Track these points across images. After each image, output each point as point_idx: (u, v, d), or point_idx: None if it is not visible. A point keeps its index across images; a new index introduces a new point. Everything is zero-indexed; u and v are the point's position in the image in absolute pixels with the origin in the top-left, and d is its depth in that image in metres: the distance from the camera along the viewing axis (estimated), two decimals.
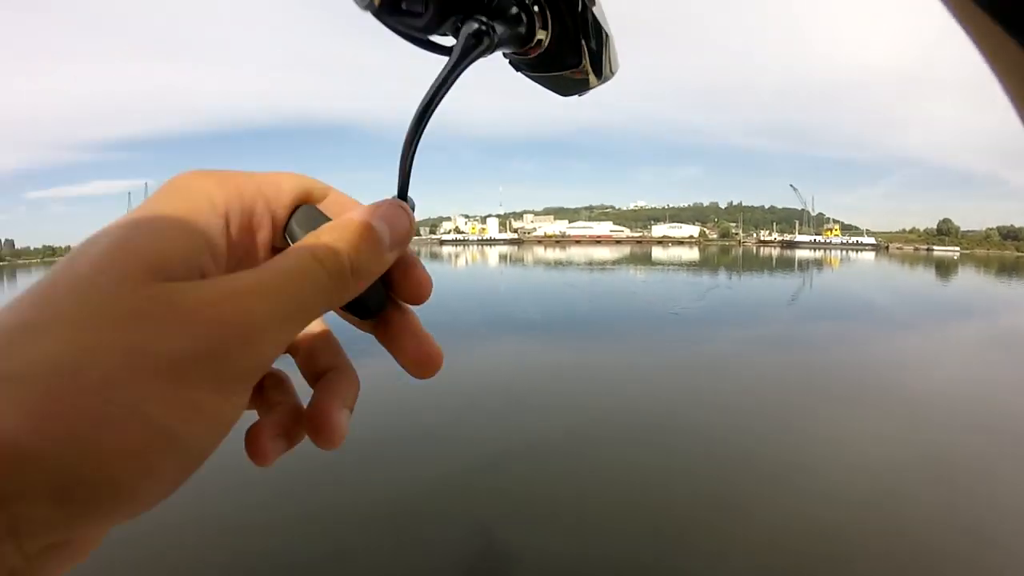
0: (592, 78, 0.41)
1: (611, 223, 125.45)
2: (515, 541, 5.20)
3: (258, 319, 0.26)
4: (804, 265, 51.95)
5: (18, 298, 0.25)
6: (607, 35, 0.39)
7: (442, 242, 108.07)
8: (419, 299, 0.33)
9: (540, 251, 79.02)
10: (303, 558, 4.88)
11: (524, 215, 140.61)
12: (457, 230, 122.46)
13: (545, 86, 0.43)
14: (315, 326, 0.35)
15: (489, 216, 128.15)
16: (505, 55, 0.39)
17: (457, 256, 68.63)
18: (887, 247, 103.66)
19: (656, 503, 5.88)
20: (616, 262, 53.41)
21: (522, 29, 0.36)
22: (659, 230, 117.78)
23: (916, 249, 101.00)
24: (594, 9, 0.37)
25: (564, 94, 0.44)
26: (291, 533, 5.25)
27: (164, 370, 0.24)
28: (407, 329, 0.33)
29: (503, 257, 65.92)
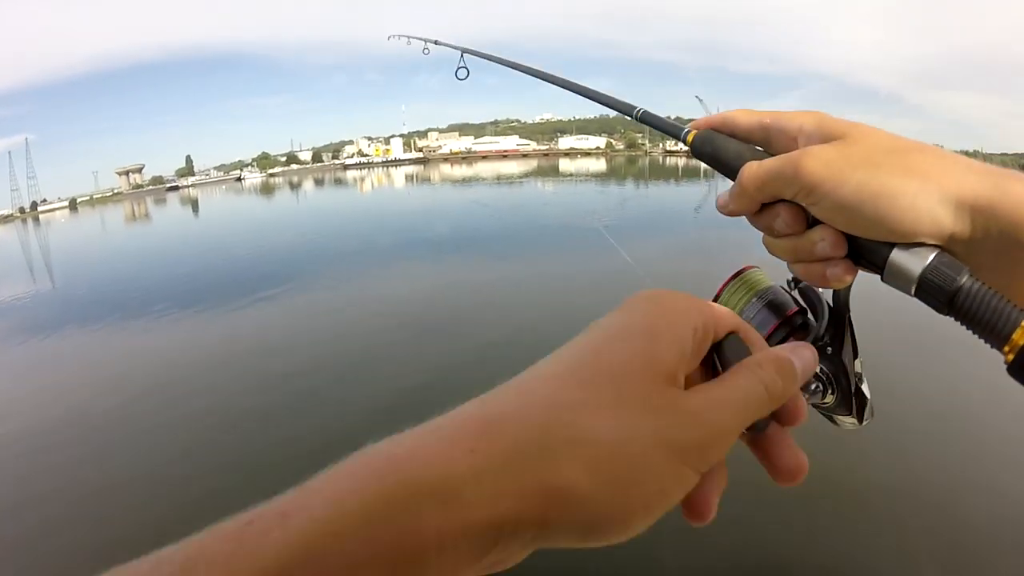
0: (857, 424, 0.59)
1: (518, 137, 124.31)
2: None
3: (729, 427, 0.35)
4: (710, 173, 52.48)
5: (554, 372, 0.35)
6: (867, 399, 0.58)
7: (346, 167, 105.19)
8: (795, 423, 0.41)
9: (447, 169, 77.92)
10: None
11: (429, 133, 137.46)
12: (361, 153, 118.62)
13: (826, 418, 0.62)
14: None
15: (393, 136, 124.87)
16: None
17: (362, 180, 67.04)
18: None
19: None
20: (524, 175, 53.02)
21: (818, 398, 0.59)
22: (566, 142, 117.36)
23: None
24: (862, 386, 0.58)
25: (834, 424, 0.63)
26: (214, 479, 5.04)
27: (674, 451, 0.32)
28: (783, 443, 0.40)
29: (409, 178, 64.70)
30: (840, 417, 0.60)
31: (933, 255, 0.44)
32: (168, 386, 7.35)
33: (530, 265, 13.00)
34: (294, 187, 67.88)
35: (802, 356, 0.40)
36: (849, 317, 0.59)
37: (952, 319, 0.44)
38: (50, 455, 5.92)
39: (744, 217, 0.53)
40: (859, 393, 0.58)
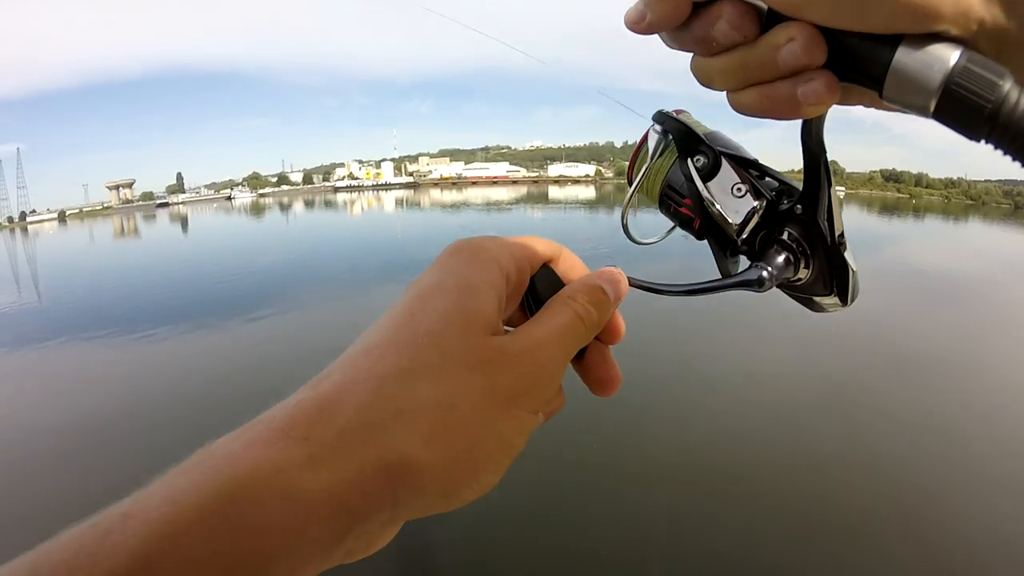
0: (838, 303, 0.49)
1: (508, 164, 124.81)
2: None
3: (555, 363, 0.36)
4: None
5: (375, 341, 0.35)
6: (852, 271, 0.47)
7: (336, 189, 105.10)
8: (616, 341, 0.43)
9: (437, 194, 78.25)
10: None
11: (420, 158, 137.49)
12: (351, 176, 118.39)
13: (799, 302, 0.53)
14: None
15: (384, 160, 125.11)
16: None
17: (352, 203, 67.07)
18: None
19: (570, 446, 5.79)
20: (514, 202, 53.28)
21: (791, 273, 0.48)
22: (555, 169, 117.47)
23: None
24: (845, 253, 0.47)
25: (813, 310, 0.52)
26: None
27: (505, 400, 0.33)
28: (601, 358, 0.42)
29: (399, 202, 64.83)
30: (820, 298, 0.50)
31: (958, 52, 0.31)
32: (142, 405, 7.38)
33: None
34: (284, 208, 67.92)
35: (611, 279, 0.41)
36: (825, 160, 0.46)
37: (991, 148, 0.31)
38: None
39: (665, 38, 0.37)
40: (841, 264, 0.47)
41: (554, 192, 74.87)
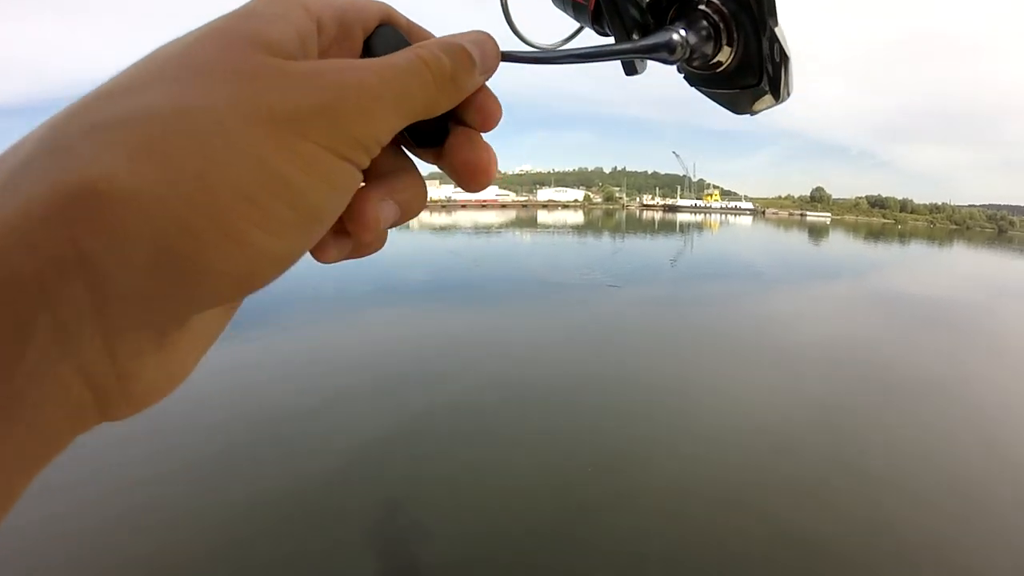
0: (768, 98, 0.38)
1: (497, 187, 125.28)
2: (413, 514, 4.94)
3: (374, 89, 0.26)
4: (685, 228, 53.47)
5: (124, 70, 0.24)
6: (787, 57, 0.37)
7: None
8: (489, 126, 0.33)
9: (426, 216, 78.17)
10: (193, 554, 4.37)
11: None
12: None
13: (717, 102, 0.41)
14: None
15: None
16: (680, 69, 0.39)
17: None
18: (763, 212, 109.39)
19: (555, 470, 5.64)
20: (503, 225, 53.36)
21: (709, 48, 0.36)
22: (544, 194, 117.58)
23: (790, 214, 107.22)
24: (776, 30, 0.36)
25: (736, 111, 0.41)
26: (186, 528, 4.69)
27: (279, 120, 0.23)
28: (468, 140, 0.32)
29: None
30: (746, 91, 0.38)
31: None
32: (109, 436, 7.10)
33: (516, 319, 12.83)
34: None
35: (476, 39, 0.31)
36: None
37: None
38: None
39: None
40: (772, 49, 0.36)
41: (543, 216, 75.01)
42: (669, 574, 4.25)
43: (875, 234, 59.30)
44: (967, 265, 36.90)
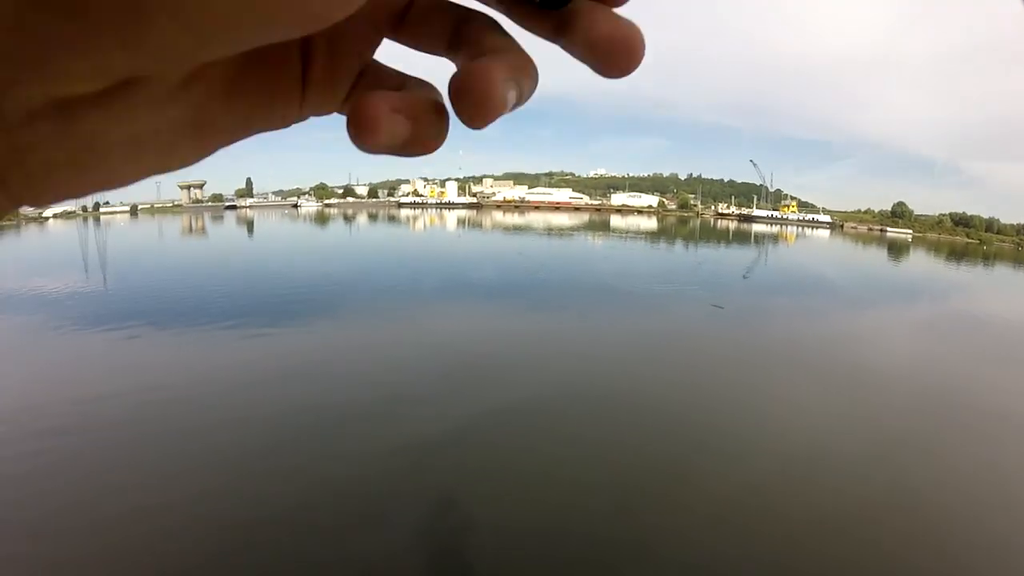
0: None
1: (570, 190, 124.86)
2: (473, 516, 5.05)
3: None
4: (760, 239, 52.37)
5: None
6: None
7: (400, 204, 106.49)
8: (618, 2, 0.26)
9: (499, 216, 78.60)
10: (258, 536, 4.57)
11: (484, 179, 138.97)
12: (416, 193, 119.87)
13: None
14: None
15: (448, 180, 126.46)
16: None
17: (415, 219, 67.84)
18: (842, 226, 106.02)
19: (613, 473, 5.76)
20: (574, 228, 53.12)
21: None
22: (618, 199, 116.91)
23: (870, 229, 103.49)
24: None
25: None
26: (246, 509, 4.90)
27: None
28: (603, 12, 0.25)
29: (461, 221, 65.30)
30: None
31: None
32: (184, 401, 7.36)
33: (586, 326, 12.80)
34: (348, 219, 69.01)
35: None
36: None
37: None
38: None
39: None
40: None
41: (616, 221, 74.60)
42: None
43: (958, 254, 57.07)
44: None
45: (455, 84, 0.24)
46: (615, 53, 0.25)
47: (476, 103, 0.23)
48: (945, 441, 7.50)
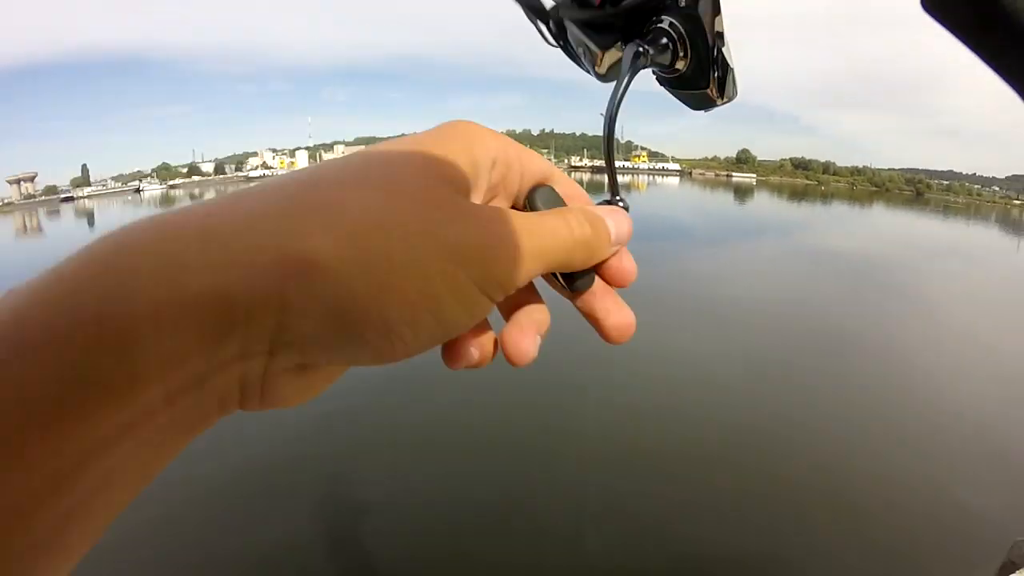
0: (718, 99, 0.48)
1: None
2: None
3: (520, 244, 0.31)
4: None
5: (329, 164, 0.30)
6: (730, 68, 0.47)
7: (249, 179, 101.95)
8: (622, 284, 0.38)
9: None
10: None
11: (335, 147, 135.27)
12: (265, 166, 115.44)
13: (681, 100, 0.51)
14: None
15: (298, 149, 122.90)
16: (654, 72, 0.47)
17: None
18: (691, 173, 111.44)
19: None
20: None
21: (667, 58, 0.45)
22: None
23: (717, 175, 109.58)
24: (723, 49, 0.45)
25: (695, 108, 0.51)
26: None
27: (447, 247, 0.28)
28: (609, 301, 0.37)
29: None
30: (700, 91, 0.48)
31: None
32: None
33: None
34: (195, 199, 65.91)
35: (618, 220, 0.37)
36: None
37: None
38: None
39: None
40: (720, 59, 0.46)
41: None
42: None
43: (799, 195, 61.31)
44: (885, 224, 38.30)
45: (506, 342, 0.35)
46: (619, 337, 0.38)
47: (520, 357, 0.35)
48: (813, 366, 8.56)
